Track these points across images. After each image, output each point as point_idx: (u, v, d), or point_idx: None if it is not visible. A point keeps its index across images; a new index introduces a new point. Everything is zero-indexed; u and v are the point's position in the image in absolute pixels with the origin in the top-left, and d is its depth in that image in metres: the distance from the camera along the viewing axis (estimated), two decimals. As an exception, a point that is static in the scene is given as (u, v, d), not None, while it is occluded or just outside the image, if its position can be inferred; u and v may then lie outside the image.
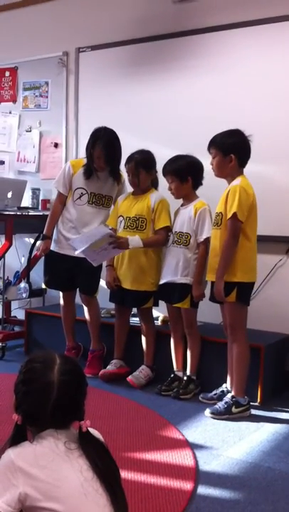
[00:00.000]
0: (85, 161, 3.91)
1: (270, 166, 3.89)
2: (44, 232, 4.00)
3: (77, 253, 3.66)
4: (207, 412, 3.28)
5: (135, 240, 3.62)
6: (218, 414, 3.25)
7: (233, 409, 3.25)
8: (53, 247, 3.99)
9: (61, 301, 4.12)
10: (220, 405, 3.28)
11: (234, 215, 3.14)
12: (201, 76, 4.19)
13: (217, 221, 3.30)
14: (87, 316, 4.01)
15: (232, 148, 3.24)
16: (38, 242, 4.07)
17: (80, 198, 3.90)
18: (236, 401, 3.27)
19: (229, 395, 3.31)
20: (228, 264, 3.20)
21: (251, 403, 3.35)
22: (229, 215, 3.16)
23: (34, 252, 4.81)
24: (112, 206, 3.96)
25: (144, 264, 3.71)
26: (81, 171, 3.90)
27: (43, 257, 4.16)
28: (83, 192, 3.89)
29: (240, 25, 4.00)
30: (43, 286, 4.23)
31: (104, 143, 3.76)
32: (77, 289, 4.06)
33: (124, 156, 3.80)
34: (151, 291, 3.73)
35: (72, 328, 4.12)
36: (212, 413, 3.26)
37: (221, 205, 3.26)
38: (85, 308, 4.01)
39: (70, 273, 3.95)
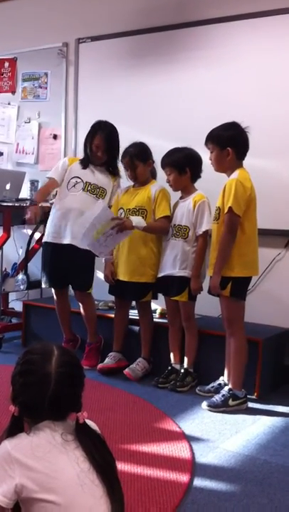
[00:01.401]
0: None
1: (270, 159, 3.88)
2: (33, 199, 3.91)
3: (85, 241, 3.61)
4: (204, 404, 3.28)
5: (137, 218, 3.61)
6: (214, 407, 3.25)
7: (230, 402, 3.26)
8: (46, 238, 3.97)
9: (54, 297, 4.09)
10: (217, 398, 3.29)
11: (230, 209, 3.13)
12: (202, 68, 4.18)
13: (216, 216, 3.30)
14: (82, 312, 3.99)
15: (229, 142, 3.22)
16: (28, 208, 3.90)
17: (74, 186, 3.87)
18: (233, 394, 3.27)
19: (226, 388, 3.31)
20: (225, 259, 3.19)
21: (248, 396, 3.36)
22: (226, 210, 3.16)
23: (32, 244, 4.80)
24: (106, 198, 3.90)
25: (144, 256, 3.71)
26: (77, 163, 3.92)
27: (41, 255, 4.13)
28: (78, 180, 3.87)
29: (242, 17, 3.98)
30: (43, 285, 4.16)
31: (105, 133, 3.78)
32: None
33: (123, 147, 3.79)
34: (151, 283, 3.73)
35: (68, 321, 4.11)
36: (209, 406, 3.26)
37: (220, 200, 3.25)
38: (80, 305, 3.99)
39: (63, 267, 3.91)
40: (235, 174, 3.20)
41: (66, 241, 3.84)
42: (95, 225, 3.54)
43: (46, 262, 4.03)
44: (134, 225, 3.56)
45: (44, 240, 4.01)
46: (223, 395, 3.28)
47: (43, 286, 4.18)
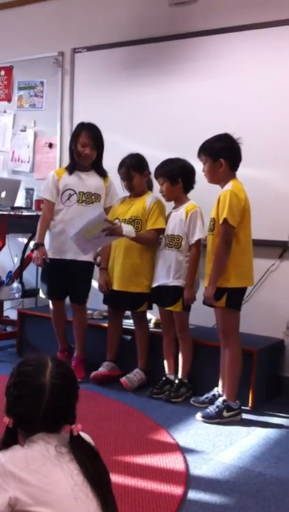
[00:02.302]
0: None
1: (264, 170, 3.88)
2: (36, 241, 3.93)
3: (71, 237, 3.59)
4: (198, 415, 3.27)
5: (128, 227, 3.62)
6: (209, 418, 3.24)
7: (224, 414, 3.25)
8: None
9: (51, 306, 4.05)
10: (211, 409, 3.28)
11: (225, 220, 3.14)
12: (196, 79, 4.19)
13: (210, 227, 3.30)
14: (75, 323, 3.98)
15: (221, 153, 3.24)
16: (34, 252, 3.95)
17: (69, 199, 3.86)
18: (228, 405, 3.26)
19: (220, 399, 3.30)
20: (221, 270, 3.19)
21: (242, 407, 3.35)
22: (220, 221, 3.16)
23: (27, 253, 4.79)
24: (102, 202, 3.89)
25: (138, 266, 3.71)
26: (66, 174, 3.88)
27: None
28: (71, 193, 3.85)
29: (236, 28, 3.99)
30: (42, 296, 4.14)
31: (90, 130, 3.78)
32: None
33: (120, 158, 3.79)
34: (145, 294, 3.72)
35: (64, 332, 4.09)
36: (203, 417, 3.25)
37: (214, 211, 3.26)
38: (74, 315, 3.98)
39: (64, 280, 3.91)
40: (229, 185, 3.21)
41: (68, 256, 3.84)
42: (88, 226, 3.53)
43: (46, 275, 4.02)
44: (124, 234, 3.57)
45: None
46: (218, 406, 3.27)
47: (42, 296, 4.16)
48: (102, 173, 3.91)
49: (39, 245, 3.89)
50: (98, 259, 3.90)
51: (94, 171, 3.90)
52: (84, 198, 3.86)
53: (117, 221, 3.75)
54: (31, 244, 4.77)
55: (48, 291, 4.01)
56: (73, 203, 3.85)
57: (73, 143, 3.84)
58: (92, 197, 3.87)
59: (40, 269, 4.16)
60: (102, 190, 3.92)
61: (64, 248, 3.85)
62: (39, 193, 4.04)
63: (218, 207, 3.21)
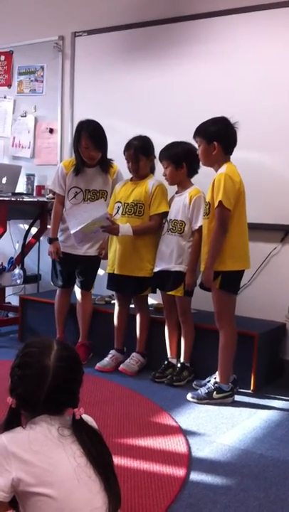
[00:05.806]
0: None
1: (267, 153, 3.86)
2: (50, 236, 4.01)
3: (72, 232, 3.64)
4: (189, 396, 3.31)
5: (125, 227, 3.63)
6: (198, 399, 3.28)
7: (214, 395, 3.28)
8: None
9: (58, 294, 4.09)
10: (202, 390, 3.33)
11: (220, 203, 3.13)
12: (198, 62, 4.16)
13: (206, 210, 3.29)
14: (80, 310, 4.00)
15: (215, 136, 3.23)
16: (49, 247, 4.02)
17: (75, 196, 3.90)
18: (218, 387, 3.29)
19: (212, 381, 3.33)
20: (218, 254, 3.19)
21: (244, 390, 3.37)
22: (216, 204, 3.16)
23: (28, 239, 4.79)
24: (108, 198, 3.93)
25: (141, 249, 3.70)
26: (73, 171, 3.90)
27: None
28: (77, 190, 3.89)
29: (238, 11, 3.95)
30: (54, 285, 4.16)
31: (89, 131, 3.76)
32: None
33: (121, 142, 3.77)
34: (149, 278, 3.71)
35: (64, 322, 4.10)
36: (193, 397, 3.29)
37: (209, 194, 3.25)
38: (80, 303, 4.01)
39: (72, 270, 3.98)
40: (223, 168, 3.20)
41: (75, 251, 3.90)
42: (89, 223, 3.56)
43: (58, 267, 4.05)
44: (120, 235, 3.62)
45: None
46: (208, 388, 3.31)
47: (53, 285, 4.16)
48: (107, 169, 3.91)
49: (53, 240, 3.97)
50: (103, 252, 3.91)
51: (99, 166, 3.90)
52: (89, 196, 3.90)
53: (118, 205, 3.76)
54: (33, 230, 4.78)
55: (61, 281, 4.04)
56: (79, 201, 3.90)
57: (75, 144, 3.84)
58: (98, 194, 3.91)
59: (41, 256, 4.17)
60: (109, 186, 3.93)
61: (71, 242, 3.87)
62: (49, 185, 4.05)
63: (212, 190, 3.20)
